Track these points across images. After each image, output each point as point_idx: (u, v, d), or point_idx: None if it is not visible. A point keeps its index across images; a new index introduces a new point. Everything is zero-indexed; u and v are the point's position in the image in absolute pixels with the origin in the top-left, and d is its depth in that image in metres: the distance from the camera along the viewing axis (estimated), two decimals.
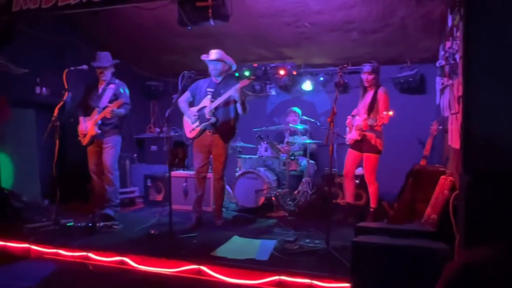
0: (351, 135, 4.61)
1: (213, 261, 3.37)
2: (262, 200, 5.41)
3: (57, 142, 4.45)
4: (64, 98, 4.56)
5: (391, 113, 4.03)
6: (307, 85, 6.81)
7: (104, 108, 4.67)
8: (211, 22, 4.01)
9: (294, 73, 6.71)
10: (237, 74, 6.70)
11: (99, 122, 4.71)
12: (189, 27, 4.18)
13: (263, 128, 5.97)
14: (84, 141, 4.82)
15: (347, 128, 4.78)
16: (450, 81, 4.00)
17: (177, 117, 4.79)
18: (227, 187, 5.79)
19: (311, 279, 2.99)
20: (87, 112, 4.84)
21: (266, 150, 5.80)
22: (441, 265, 2.31)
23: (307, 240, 3.92)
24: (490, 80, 2.08)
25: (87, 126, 4.76)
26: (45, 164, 5.48)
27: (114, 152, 4.83)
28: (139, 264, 3.51)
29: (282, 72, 6.62)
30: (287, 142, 5.75)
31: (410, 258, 2.45)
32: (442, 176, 3.43)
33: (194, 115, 4.63)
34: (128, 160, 6.25)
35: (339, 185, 5.42)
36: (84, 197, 5.47)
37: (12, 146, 5.44)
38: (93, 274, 3.53)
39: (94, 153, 4.87)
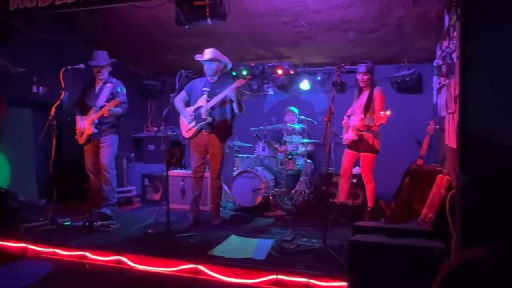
0: (348, 135, 4.62)
1: (211, 260, 3.37)
2: (259, 199, 5.41)
3: (54, 141, 4.43)
4: (61, 97, 4.54)
5: (388, 112, 4.04)
6: (304, 85, 6.81)
7: (101, 107, 4.66)
8: (209, 21, 4.01)
9: (292, 72, 6.72)
10: (234, 73, 6.70)
11: (96, 121, 4.69)
12: (187, 26, 4.17)
13: (261, 127, 5.97)
14: (81, 140, 4.81)
15: (344, 129, 4.79)
16: (447, 81, 4.01)
17: (175, 116, 4.78)
18: (225, 186, 5.79)
19: (308, 278, 2.99)
20: (84, 111, 4.82)
21: (263, 150, 5.80)
22: (438, 264, 2.33)
23: (305, 239, 3.92)
24: (487, 79, 2.09)
25: (84, 125, 4.75)
26: (42, 163, 5.46)
27: (111, 151, 4.82)
28: (136, 264, 3.50)
29: (279, 71, 6.63)
30: (285, 142, 5.75)
31: (407, 257, 2.46)
32: (439, 176, 3.45)
33: (190, 115, 4.61)
34: (125, 159, 6.23)
35: (336, 185, 5.43)
36: (81, 196, 5.46)
37: (8, 145, 5.42)
38: (90, 273, 3.53)
39: (91, 152, 4.85)
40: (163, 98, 6.99)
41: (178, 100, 4.66)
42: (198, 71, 4.82)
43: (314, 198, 5.49)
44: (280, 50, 6.42)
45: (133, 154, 6.97)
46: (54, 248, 3.81)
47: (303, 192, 5.59)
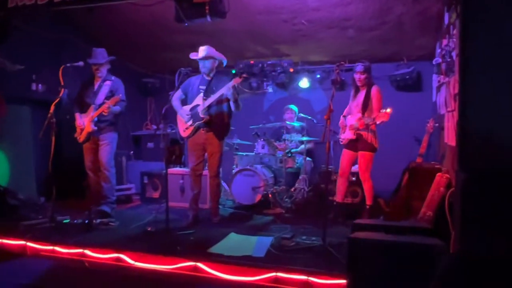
0: (346, 135, 4.60)
1: (210, 258, 3.37)
2: (258, 197, 5.42)
3: (53, 139, 4.42)
4: (60, 94, 4.52)
5: (389, 110, 4.03)
6: (304, 83, 6.81)
7: (100, 105, 4.65)
8: (208, 18, 4.01)
9: (291, 70, 6.72)
10: (233, 71, 6.69)
11: (96, 119, 4.69)
12: (186, 24, 4.17)
13: (260, 125, 5.97)
14: (80, 138, 4.80)
15: (340, 129, 4.78)
16: (447, 79, 4.02)
17: (174, 114, 4.77)
18: (224, 184, 5.79)
19: (308, 276, 3.00)
20: (83, 109, 4.81)
21: (263, 148, 5.80)
22: (437, 261, 2.33)
23: (304, 237, 3.92)
24: (486, 77, 2.08)
25: (84, 123, 4.74)
26: (41, 161, 5.46)
27: (110, 149, 4.81)
28: (136, 261, 3.50)
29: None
30: (284, 140, 5.76)
31: (407, 254, 2.46)
32: (438, 174, 3.45)
33: (187, 114, 4.59)
34: (125, 157, 6.23)
35: (335, 183, 5.43)
36: (80, 194, 5.43)
37: (7, 143, 5.42)
38: (89, 271, 3.53)
39: (90, 150, 4.85)
40: (163, 96, 6.97)
41: (175, 98, 4.63)
42: (197, 68, 4.80)
43: (313, 196, 5.50)
44: (279, 48, 6.42)
45: (132, 152, 6.96)
46: (53, 245, 3.82)
47: (303, 190, 5.59)
